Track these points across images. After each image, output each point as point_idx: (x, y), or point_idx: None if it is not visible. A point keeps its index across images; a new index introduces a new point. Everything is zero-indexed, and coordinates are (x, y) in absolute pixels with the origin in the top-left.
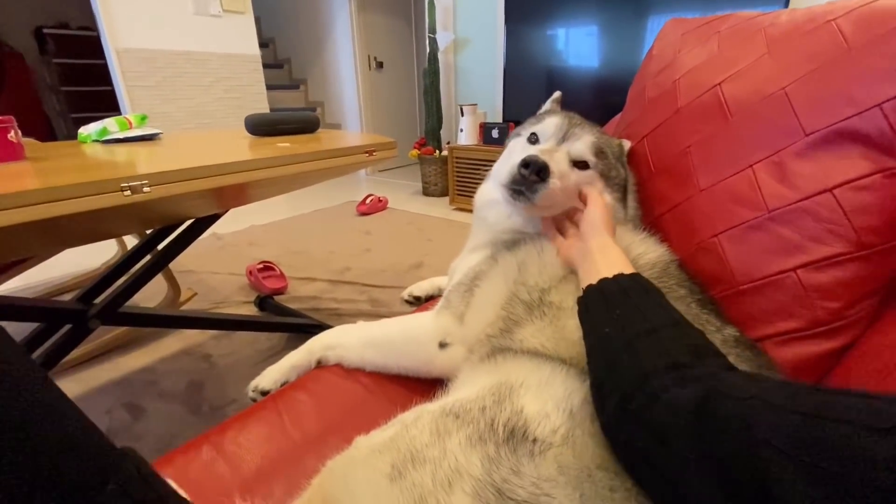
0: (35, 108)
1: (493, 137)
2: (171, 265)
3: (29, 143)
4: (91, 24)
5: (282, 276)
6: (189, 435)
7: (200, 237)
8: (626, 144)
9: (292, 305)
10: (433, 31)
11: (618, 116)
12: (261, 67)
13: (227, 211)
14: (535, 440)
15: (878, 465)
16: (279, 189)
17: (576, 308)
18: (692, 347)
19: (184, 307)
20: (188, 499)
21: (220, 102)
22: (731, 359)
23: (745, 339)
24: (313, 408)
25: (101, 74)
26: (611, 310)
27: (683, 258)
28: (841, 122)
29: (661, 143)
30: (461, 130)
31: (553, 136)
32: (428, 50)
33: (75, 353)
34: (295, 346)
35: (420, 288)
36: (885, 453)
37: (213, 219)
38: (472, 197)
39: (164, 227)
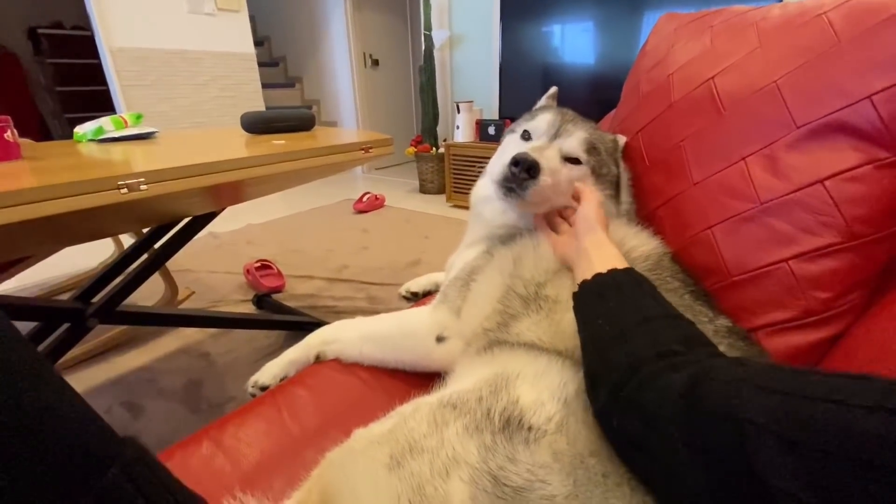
0: (30, 109)
1: (489, 134)
2: (169, 264)
3: (24, 143)
4: (85, 24)
5: (279, 274)
6: (188, 433)
7: (197, 236)
8: (621, 140)
9: (290, 303)
10: (429, 28)
11: (613, 112)
12: (256, 66)
13: (223, 209)
14: (530, 428)
15: (857, 439)
16: (276, 186)
17: (571, 302)
18: (683, 337)
19: (181, 306)
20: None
21: (216, 101)
22: (723, 348)
23: (737, 330)
24: (312, 402)
25: (96, 74)
26: (604, 303)
27: (678, 251)
28: (832, 115)
29: (655, 138)
30: (457, 128)
31: (545, 133)
32: (423, 47)
33: (74, 353)
34: (293, 344)
35: (417, 284)
36: (865, 428)
37: (209, 217)
38: (468, 194)
39: (161, 225)
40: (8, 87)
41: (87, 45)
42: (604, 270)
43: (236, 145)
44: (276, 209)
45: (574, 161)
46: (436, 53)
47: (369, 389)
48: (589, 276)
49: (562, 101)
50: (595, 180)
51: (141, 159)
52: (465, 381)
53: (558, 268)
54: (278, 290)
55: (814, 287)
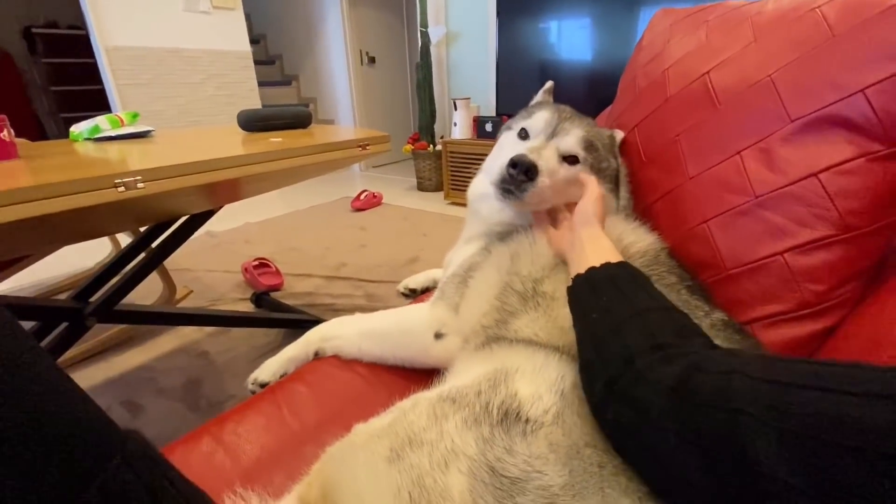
0: (25, 109)
1: (486, 131)
2: (166, 263)
3: (20, 142)
4: (80, 23)
5: (277, 272)
6: (188, 431)
7: (195, 235)
8: (619, 135)
9: (288, 302)
10: (425, 25)
11: (610, 107)
12: (252, 64)
13: (221, 207)
14: (527, 420)
15: (848, 426)
16: (273, 184)
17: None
18: (677, 329)
19: (180, 305)
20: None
21: (212, 100)
22: (719, 342)
23: (732, 323)
24: (311, 398)
25: (91, 73)
26: (598, 297)
27: (674, 245)
28: (826, 108)
29: (651, 133)
30: (455, 125)
31: (542, 132)
32: (420, 44)
33: (72, 352)
34: (291, 342)
35: (415, 280)
36: (855, 414)
37: (207, 215)
38: (466, 191)
39: (159, 224)
40: (3, 87)
41: (82, 44)
42: (597, 264)
43: (233, 143)
44: (274, 208)
45: (572, 159)
46: (432, 50)
47: (368, 385)
48: (582, 270)
49: (558, 97)
50: (594, 177)
51: (137, 157)
52: (464, 377)
53: (555, 264)
54: (276, 288)
55: (808, 279)
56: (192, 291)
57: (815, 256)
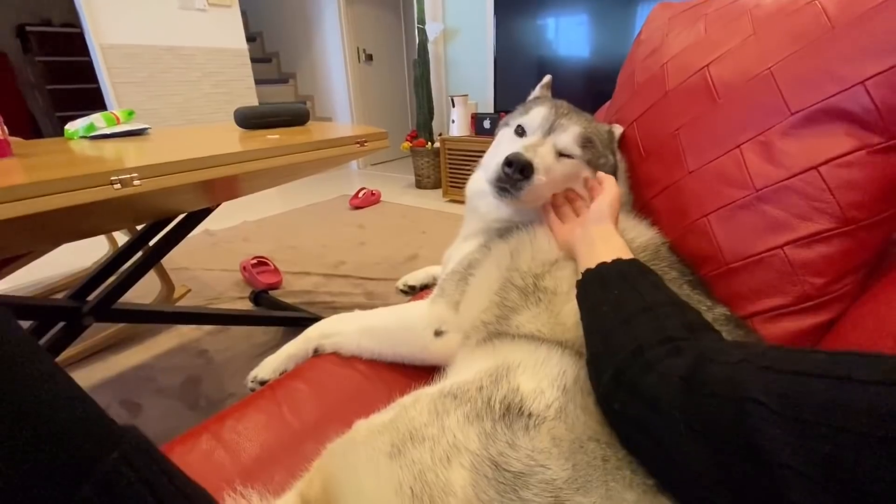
0: (19, 108)
1: (484, 128)
2: (164, 262)
3: (15, 141)
4: (74, 21)
5: (276, 270)
6: (187, 430)
7: (193, 234)
8: (618, 130)
9: (287, 300)
10: (422, 21)
11: (609, 102)
12: (249, 62)
13: (218, 205)
14: (529, 415)
15: (858, 413)
16: (271, 181)
17: (570, 293)
18: (687, 323)
19: (178, 303)
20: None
21: (208, 98)
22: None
23: (734, 318)
24: (311, 395)
25: (86, 72)
26: (608, 291)
27: (674, 239)
28: (825, 101)
29: (650, 127)
30: (453, 122)
31: (539, 128)
32: (417, 41)
33: (70, 352)
34: (291, 340)
35: (414, 277)
36: (860, 402)
37: (204, 213)
38: (464, 188)
39: (156, 222)
40: None
41: (76, 42)
42: (608, 260)
43: (230, 140)
44: (272, 206)
45: (569, 156)
46: (430, 47)
47: (369, 382)
48: (592, 265)
49: (556, 93)
50: (591, 173)
51: (134, 155)
52: (465, 373)
53: (556, 259)
54: (275, 286)
55: (809, 273)
56: (190, 290)
57: (815, 249)
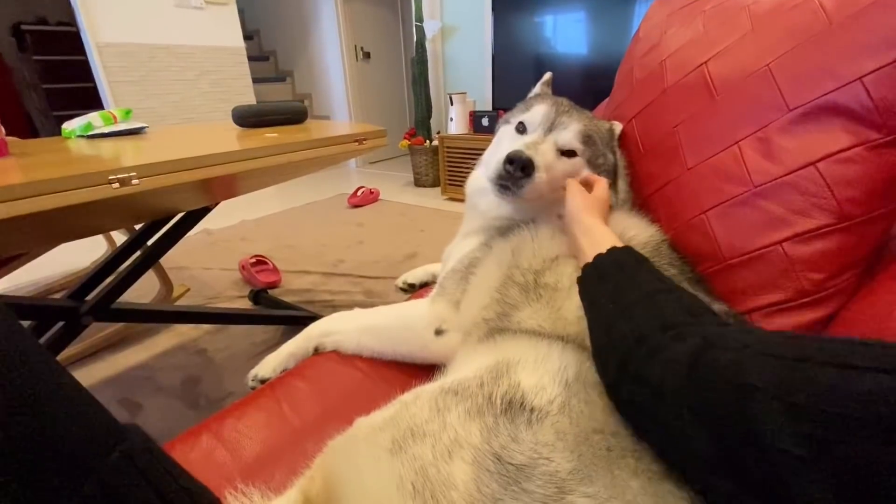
0: (16, 107)
1: (483, 126)
2: (163, 262)
3: (12, 140)
4: (70, 19)
5: (275, 269)
6: (187, 429)
7: (191, 233)
8: (617, 127)
9: (286, 299)
10: (420, 19)
11: (607, 99)
12: (246, 60)
13: (217, 204)
14: (532, 410)
15: (861, 400)
16: (269, 180)
17: (572, 289)
18: (687, 308)
19: (177, 303)
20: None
21: (206, 97)
22: None
23: (733, 314)
24: (311, 394)
25: (83, 70)
26: (606, 283)
27: (673, 236)
28: (823, 97)
29: (649, 124)
30: (451, 120)
31: (540, 126)
32: (415, 39)
33: (69, 352)
34: (290, 339)
35: (414, 275)
36: (859, 388)
37: (203, 212)
38: (464, 187)
39: (154, 221)
40: None
41: (72, 40)
42: (603, 251)
43: (228, 139)
44: (270, 205)
45: (570, 153)
46: (427, 45)
47: (369, 380)
48: (589, 259)
49: (555, 90)
50: (591, 171)
51: (132, 154)
52: (465, 369)
53: (556, 256)
54: (274, 285)
55: (807, 268)
56: (189, 289)
57: (813, 245)
